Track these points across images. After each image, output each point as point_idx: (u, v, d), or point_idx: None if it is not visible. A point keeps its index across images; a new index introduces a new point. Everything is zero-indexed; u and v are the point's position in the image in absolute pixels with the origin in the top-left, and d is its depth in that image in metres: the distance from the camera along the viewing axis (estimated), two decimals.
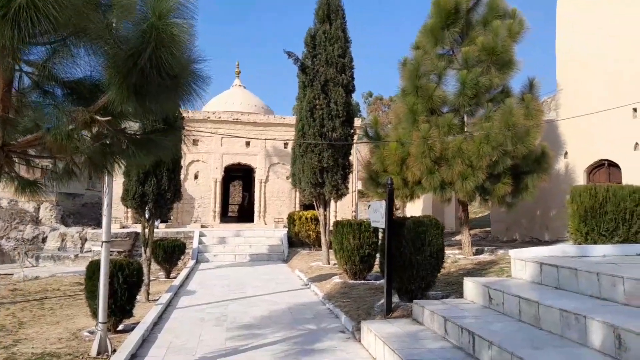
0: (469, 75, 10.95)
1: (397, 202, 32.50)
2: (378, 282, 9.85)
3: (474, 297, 6.42)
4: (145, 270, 12.77)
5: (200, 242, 16.90)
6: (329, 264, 13.28)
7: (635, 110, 11.08)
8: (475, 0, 11.84)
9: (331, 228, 16.22)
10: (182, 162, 19.02)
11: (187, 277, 13.25)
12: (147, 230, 12.60)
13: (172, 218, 19.35)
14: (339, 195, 13.27)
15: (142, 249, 12.83)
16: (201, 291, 10.78)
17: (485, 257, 11.49)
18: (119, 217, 18.27)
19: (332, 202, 13.97)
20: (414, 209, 19.30)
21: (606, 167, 12.05)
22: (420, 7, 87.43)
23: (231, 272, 13.87)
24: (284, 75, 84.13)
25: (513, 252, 6.94)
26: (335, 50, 13.18)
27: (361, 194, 25.26)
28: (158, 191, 12.14)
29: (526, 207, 12.85)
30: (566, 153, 13.03)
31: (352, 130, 13.39)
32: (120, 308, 7.05)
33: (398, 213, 35.56)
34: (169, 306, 9.08)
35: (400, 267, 7.03)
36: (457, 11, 11.41)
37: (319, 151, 12.82)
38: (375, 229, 10.27)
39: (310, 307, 8.77)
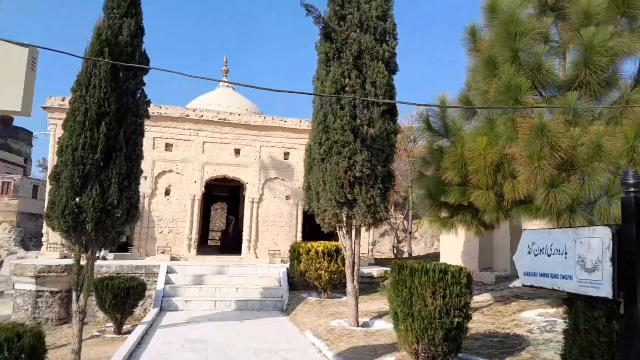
0: (596, 34, 6.90)
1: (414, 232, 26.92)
2: None
3: None
4: (74, 328, 8.36)
5: (167, 282, 12.21)
6: (358, 325, 8.79)
7: None
8: None
9: (361, 269, 11.74)
10: (150, 171, 14.47)
11: (141, 341, 8.61)
12: (83, 264, 8.35)
13: (132, 246, 14.64)
14: (376, 220, 8.91)
15: (74, 294, 8.50)
16: None
17: None
18: (58, 244, 13.49)
19: (362, 231, 9.60)
20: (448, 242, 14.70)
21: None
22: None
23: (210, 332, 9.22)
24: (279, 80, 78.55)
25: None
26: (373, 10, 9.05)
27: None
28: (102, 206, 7.97)
29: None
30: None
31: (395, 126, 9.14)
32: None
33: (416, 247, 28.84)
34: None
35: None
36: None
37: (349, 153, 8.51)
38: (470, 281, 5.88)
39: None
